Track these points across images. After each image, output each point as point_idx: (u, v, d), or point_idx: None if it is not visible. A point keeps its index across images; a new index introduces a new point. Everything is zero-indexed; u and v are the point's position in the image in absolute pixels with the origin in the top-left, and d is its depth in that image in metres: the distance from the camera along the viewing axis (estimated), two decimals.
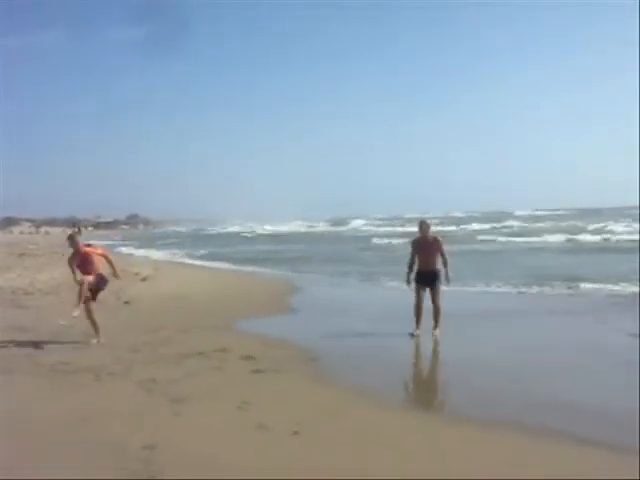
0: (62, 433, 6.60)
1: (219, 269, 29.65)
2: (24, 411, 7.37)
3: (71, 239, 11.55)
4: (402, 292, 17.20)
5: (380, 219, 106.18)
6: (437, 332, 11.72)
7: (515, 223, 68.01)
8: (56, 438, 6.45)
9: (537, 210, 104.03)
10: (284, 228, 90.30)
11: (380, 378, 9.66)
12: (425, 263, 12.07)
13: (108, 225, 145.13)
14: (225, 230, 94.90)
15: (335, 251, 40.08)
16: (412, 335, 11.63)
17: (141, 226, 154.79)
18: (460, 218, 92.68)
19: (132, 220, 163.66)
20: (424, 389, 8.76)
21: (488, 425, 6.89)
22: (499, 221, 70.02)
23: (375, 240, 49.05)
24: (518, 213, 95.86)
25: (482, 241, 43.33)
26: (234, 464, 5.75)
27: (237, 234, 78.01)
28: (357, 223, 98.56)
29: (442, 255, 11.94)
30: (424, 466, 5.75)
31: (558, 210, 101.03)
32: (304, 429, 6.61)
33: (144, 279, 21.36)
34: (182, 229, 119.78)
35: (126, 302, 16.16)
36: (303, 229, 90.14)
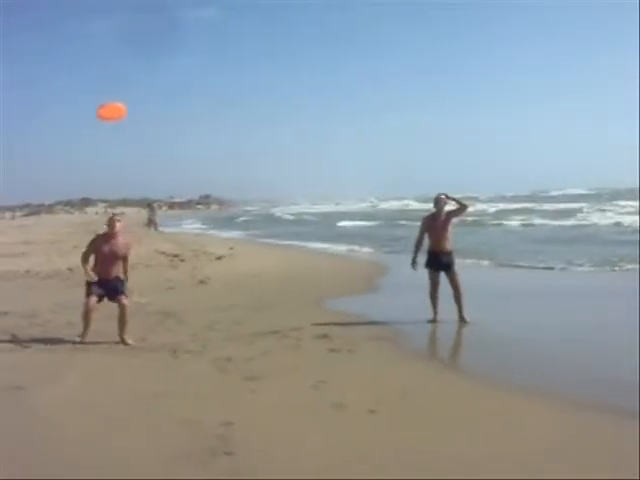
0: (138, 409, 6.69)
1: (290, 247, 29.75)
2: (100, 387, 7.50)
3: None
4: (487, 270, 17.12)
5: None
6: (465, 316, 10.93)
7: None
8: (132, 414, 6.54)
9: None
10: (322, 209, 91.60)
11: (457, 357, 9.60)
12: (436, 243, 11.13)
13: (182, 205, 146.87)
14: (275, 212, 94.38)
15: None
16: (430, 322, 10.99)
17: (214, 206, 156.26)
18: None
19: (205, 200, 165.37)
20: (502, 367, 8.54)
21: (579, 407, 6.74)
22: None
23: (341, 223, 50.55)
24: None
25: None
26: (310, 442, 5.73)
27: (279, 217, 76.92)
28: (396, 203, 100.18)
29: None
30: (502, 447, 5.63)
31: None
32: (380, 408, 6.55)
33: (219, 258, 21.51)
34: (254, 209, 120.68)
35: (201, 281, 16.31)
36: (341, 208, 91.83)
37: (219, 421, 6.14)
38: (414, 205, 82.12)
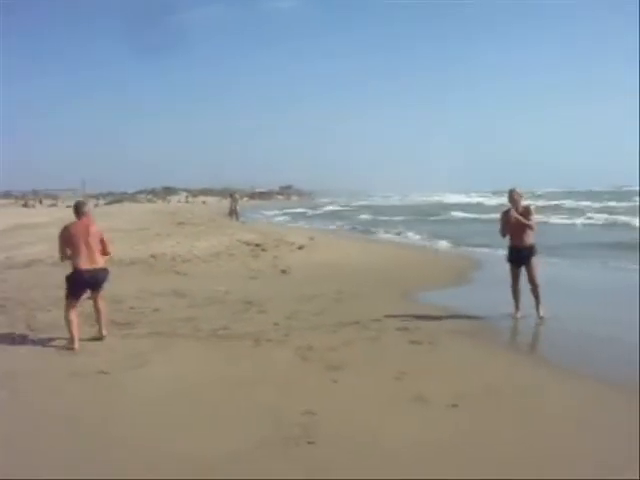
0: (221, 396, 6.81)
1: (375, 240, 29.71)
2: (183, 374, 7.65)
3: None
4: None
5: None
6: (541, 312, 10.72)
7: None
8: (214, 401, 6.68)
9: None
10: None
11: (538, 351, 9.43)
12: (516, 237, 11.04)
13: (262, 195, 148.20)
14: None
15: None
16: (512, 316, 10.84)
17: (294, 197, 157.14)
18: None
19: (286, 191, 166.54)
20: (584, 362, 8.29)
21: None
22: None
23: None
24: None
25: None
26: (391, 434, 5.74)
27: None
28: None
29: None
30: (587, 442, 5.55)
31: None
32: (462, 402, 6.49)
33: (300, 248, 21.60)
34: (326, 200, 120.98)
35: (283, 271, 16.44)
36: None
37: (301, 410, 6.21)
38: (475, 200, 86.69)
